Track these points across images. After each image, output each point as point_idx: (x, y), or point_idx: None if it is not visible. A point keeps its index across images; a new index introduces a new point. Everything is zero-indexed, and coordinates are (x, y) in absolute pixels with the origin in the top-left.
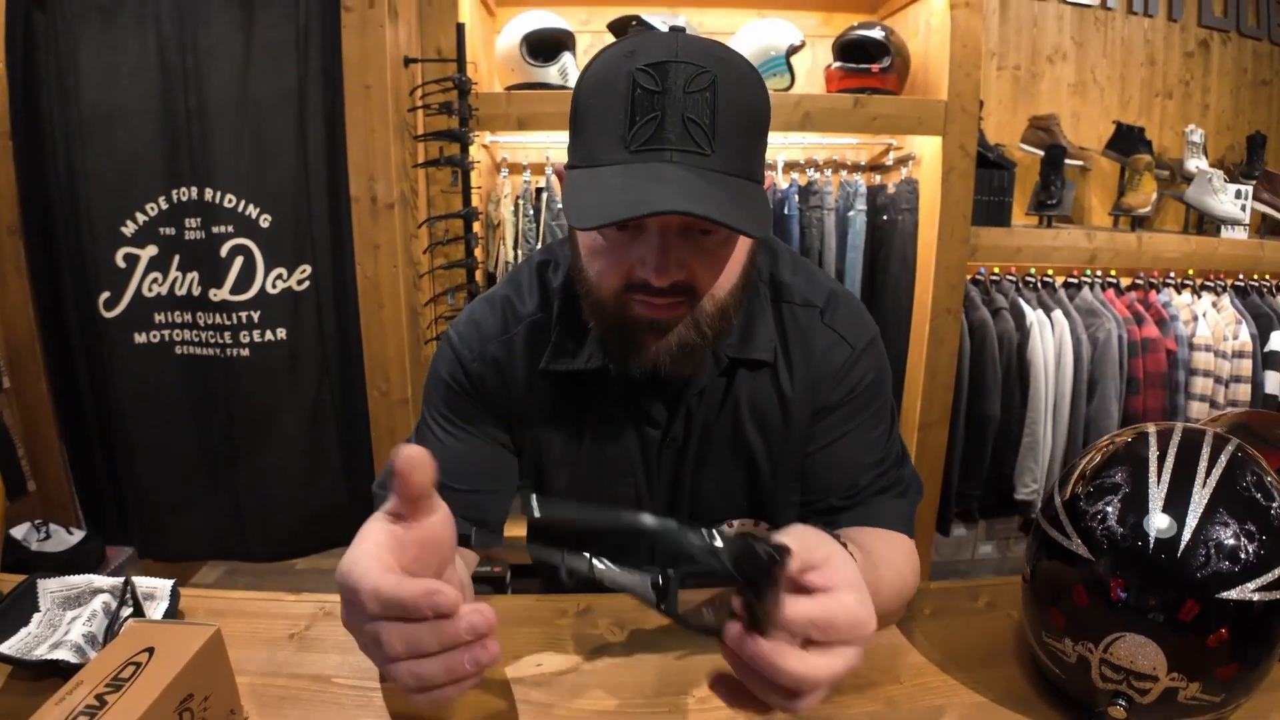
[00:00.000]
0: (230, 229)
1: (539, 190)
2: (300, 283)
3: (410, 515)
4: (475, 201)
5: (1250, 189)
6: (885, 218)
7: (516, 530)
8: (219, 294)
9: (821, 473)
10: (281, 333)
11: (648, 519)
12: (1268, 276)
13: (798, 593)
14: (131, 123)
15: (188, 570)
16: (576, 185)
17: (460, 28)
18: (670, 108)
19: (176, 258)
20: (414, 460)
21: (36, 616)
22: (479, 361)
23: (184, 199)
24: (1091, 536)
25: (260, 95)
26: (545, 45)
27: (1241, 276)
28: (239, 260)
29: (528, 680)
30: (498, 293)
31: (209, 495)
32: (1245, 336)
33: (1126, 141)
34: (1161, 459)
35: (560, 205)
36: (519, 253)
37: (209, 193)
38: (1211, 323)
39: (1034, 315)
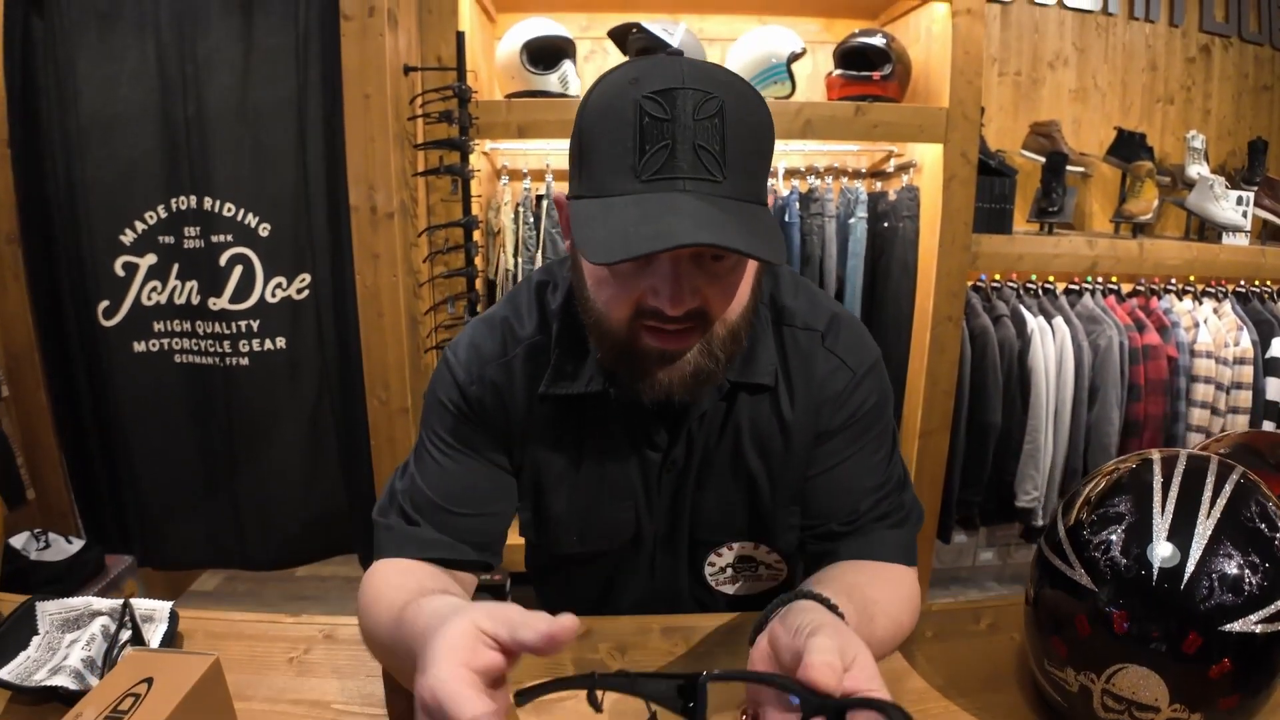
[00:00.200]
0: (229, 237)
1: (539, 197)
2: (300, 292)
3: (513, 657)
4: (475, 209)
5: (1251, 195)
6: (886, 225)
7: (514, 538)
8: (218, 303)
9: (822, 497)
10: (281, 342)
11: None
12: (1269, 282)
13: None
14: (130, 131)
15: (187, 577)
16: (588, 217)
17: (460, 36)
18: (680, 136)
19: (175, 266)
20: (572, 631)
21: (35, 639)
22: (478, 385)
23: (183, 207)
24: (1095, 567)
25: (259, 103)
26: (545, 53)
27: (1243, 283)
28: (238, 269)
29: (528, 704)
30: (496, 314)
31: (209, 503)
32: (1246, 343)
33: (1128, 147)
34: (1166, 487)
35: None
36: (519, 260)
37: (208, 201)
38: (1213, 329)
39: (1035, 322)
